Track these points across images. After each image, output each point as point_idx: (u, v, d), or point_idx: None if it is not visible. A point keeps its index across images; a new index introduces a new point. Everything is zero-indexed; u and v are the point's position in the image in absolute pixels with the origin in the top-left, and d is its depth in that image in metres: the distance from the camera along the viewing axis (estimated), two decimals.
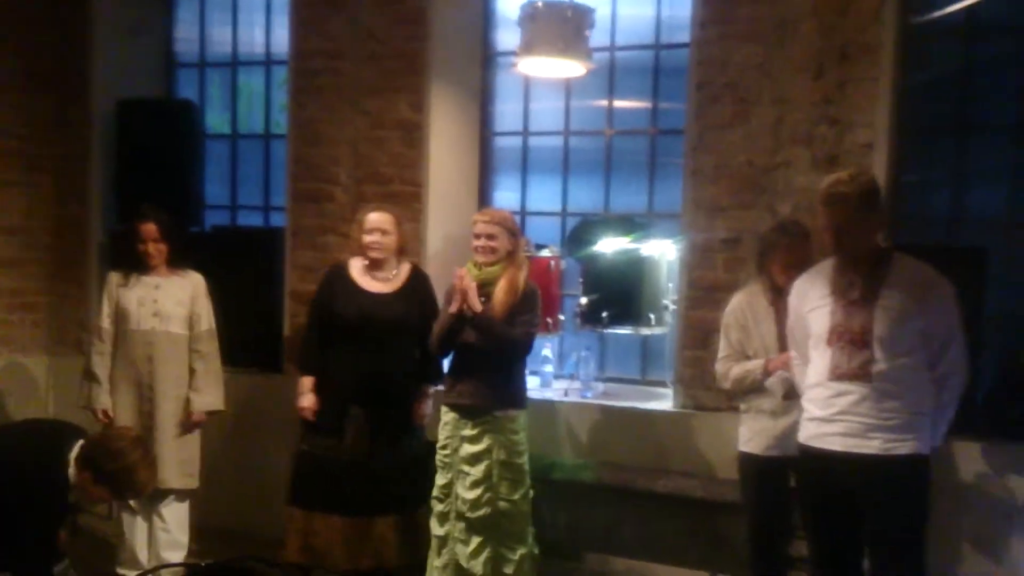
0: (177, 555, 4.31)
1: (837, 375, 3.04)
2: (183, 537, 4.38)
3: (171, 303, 4.25)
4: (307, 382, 4.16)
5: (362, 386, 4.07)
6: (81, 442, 3.24)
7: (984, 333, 3.89)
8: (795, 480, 3.65)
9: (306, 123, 5.02)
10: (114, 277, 4.31)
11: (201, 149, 5.64)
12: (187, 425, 4.27)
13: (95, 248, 5.55)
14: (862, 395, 2.99)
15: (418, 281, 4.21)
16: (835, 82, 4.01)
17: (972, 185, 4.26)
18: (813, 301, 3.15)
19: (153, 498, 4.15)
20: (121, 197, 5.40)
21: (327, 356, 4.15)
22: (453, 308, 3.85)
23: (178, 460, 4.26)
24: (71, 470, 3.21)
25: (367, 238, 4.10)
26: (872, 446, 2.98)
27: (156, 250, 4.24)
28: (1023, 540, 3.73)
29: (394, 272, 4.18)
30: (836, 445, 3.03)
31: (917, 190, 4.27)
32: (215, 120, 5.87)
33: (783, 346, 3.50)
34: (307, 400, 4.14)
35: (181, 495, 4.34)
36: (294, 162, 5.07)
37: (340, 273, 4.20)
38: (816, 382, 3.11)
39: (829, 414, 3.05)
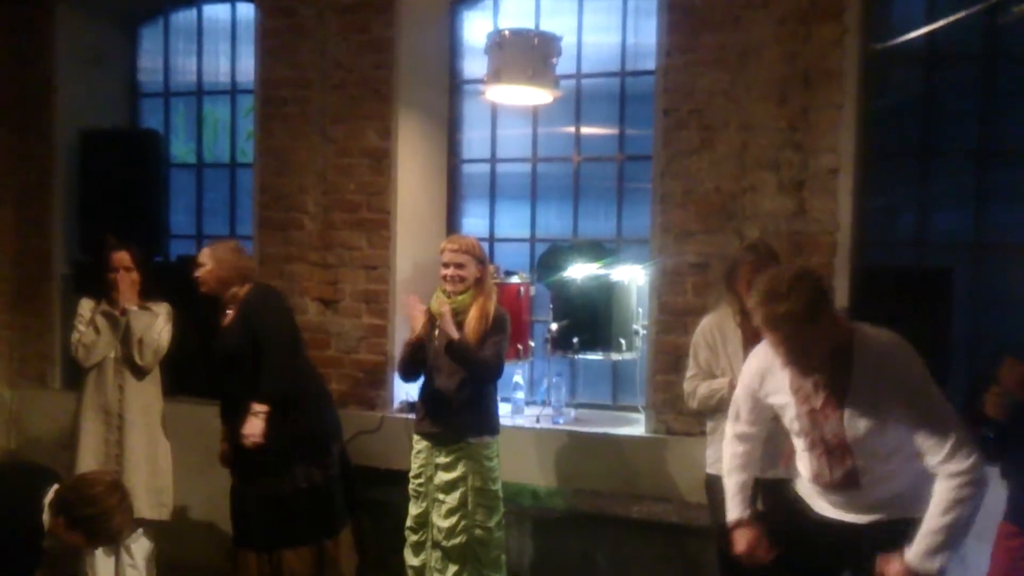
0: None
1: (822, 484, 2.75)
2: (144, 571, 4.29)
3: (154, 332, 4.22)
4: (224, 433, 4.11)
5: (228, 422, 4.01)
6: (56, 487, 3.16)
7: (952, 355, 3.95)
8: (761, 503, 3.65)
9: (273, 151, 4.99)
10: (87, 303, 4.27)
11: (165, 179, 5.60)
12: None
13: (58, 280, 5.48)
14: (852, 496, 2.72)
15: (245, 303, 3.98)
16: (799, 108, 4.07)
17: (936, 208, 4.32)
18: (771, 388, 2.81)
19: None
20: (84, 228, 5.34)
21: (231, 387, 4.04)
22: (412, 335, 3.86)
23: (149, 489, 4.20)
24: (45, 516, 3.12)
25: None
26: (866, 518, 2.72)
27: (128, 279, 4.20)
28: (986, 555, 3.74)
29: (234, 300, 4.01)
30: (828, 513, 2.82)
31: (882, 214, 4.33)
32: (180, 149, 5.82)
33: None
34: (221, 449, 4.12)
35: (150, 529, 4.26)
36: (261, 190, 5.04)
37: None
38: (802, 476, 2.86)
39: (821, 503, 2.84)
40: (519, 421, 4.61)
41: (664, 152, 4.30)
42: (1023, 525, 3.12)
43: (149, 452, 4.23)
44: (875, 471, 2.62)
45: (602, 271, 4.42)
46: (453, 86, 5.11)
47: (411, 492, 3.97)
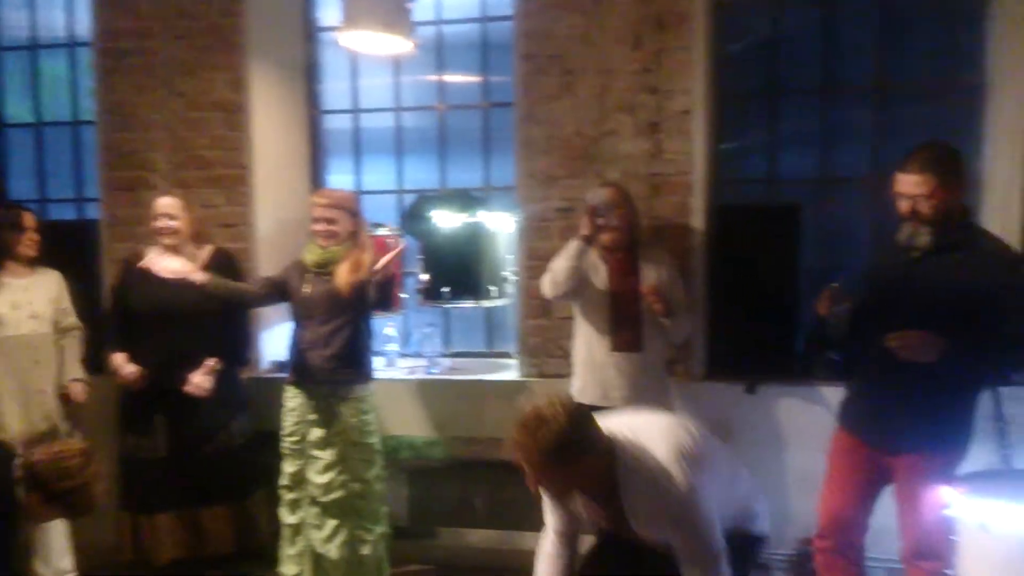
0: (68, 561, 4.12)
1: None
2: (66, 542, 4.14)
3: (44, 302, 4.05)
4: (119, 356, 4.00)
5: (166, 376, 3.94)
6: (21, 461, 2.99)
7: (800, 286, 4.17)
8: None
9: (116, 107, 4.72)
10: None
11: (1, 140, 5.21)
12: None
13: None
14: None
15: (220, 264, 4.06)
16: (653, 51, 4.15)
17: (785, 147, 4.49)
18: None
19: None
20: None
21: (132, 348, 3.99)
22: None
23: None
24: (18, 491, 2.96)
25: (155, 224, 3.99)
26: None
27: (33, 241, 4.04)
28: None
29: (192, 257, 4.01)
30: None
31: (734, 153, 4.48)
32: (15, 109, 5.41)
33: (615, 295, 3.71)
34: (127, 369, 3.96)
35: None
36: (105, 149, 4.77)
37: (135, 262, 4.02)
38: None
39: None
40: (393, 374, 4.59)
41: (525, 98, 4.31)
42: (848, 427, 3.33)
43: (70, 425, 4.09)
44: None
45: (469, 220, 4.41)
46: (309, 34, 4.94)
47: (284, 451, 3.93)
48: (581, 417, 2.47)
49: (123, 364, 3.97)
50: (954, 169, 3.00)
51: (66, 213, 5.27)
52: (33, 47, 5.31)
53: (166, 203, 4.00)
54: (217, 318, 3.98)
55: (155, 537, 3.96)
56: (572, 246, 3.68)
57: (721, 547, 2.53)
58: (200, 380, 3.94)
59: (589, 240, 3.66)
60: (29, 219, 4.07)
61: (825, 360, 4.10)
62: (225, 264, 4.09)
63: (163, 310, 3.92)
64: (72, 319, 4.18)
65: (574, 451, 2.41)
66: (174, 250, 3.98)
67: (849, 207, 4.36)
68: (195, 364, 3.94)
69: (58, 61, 5.30)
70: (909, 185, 2.99)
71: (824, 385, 4.03)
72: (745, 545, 2.77)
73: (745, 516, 2.81)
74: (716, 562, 2.51)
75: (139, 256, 4.03)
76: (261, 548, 4.11)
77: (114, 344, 4.05)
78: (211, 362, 3.96)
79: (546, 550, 2.87)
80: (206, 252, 4.08)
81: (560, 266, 3.71)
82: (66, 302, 4.17)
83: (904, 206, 3.03)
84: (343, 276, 3.78)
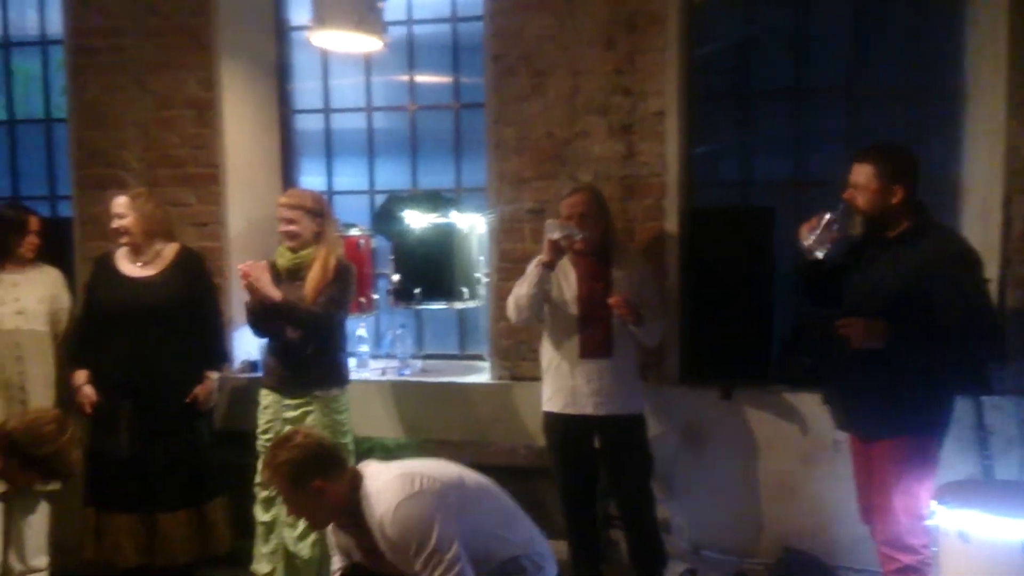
0: (43, 559, 4.12)
1: None
2: (44, 541, 4.14)
3: (33, 300, 4.04)
4: (81, 375, 3.98)
5: (131, 377, 3.90)
6: None
7: (775, 290, 4.13)
8: (599, 441, 3.75)
9: (88, 105, 4.70)
10: None
11: None
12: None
13: None
14: None
15: (186, 261, 4.04)
16: (625, 52, 4.11)
17: (758, 149, 4.47)
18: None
19: (21, 502, 4.00)
20: None
21: (100, 349, 3.96)
22: (249, 301, 3.76)
23: None
24: None
25: (111, 224, 3.96)
26: None
27: (34, 244, 4.07)
28: (818, 480, 4.00)
29: (156, 255, 3.99)
30: None
31: (708, 155, 4.44)
32: None
33: (583, 301, 3.65)
34: (82, 393, 3.94)
35: (48, 500, 4.12)
36: (77, 147, 4.75)
37: (104, 262, 4.03)
38: None
39: None
40: (365, 375, 4.55)
41: (496, 99, 4.28)
42: (849, 429, 3.39)
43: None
44: None
45: (441, 220, 4.38)
46: (280, 33, 4.91)
47: (260, 448, 3.88)
48: (321, 448, 2.69)
49: (81, 386, 3.96)
50: (897, 166, 3.10)
51: (40, 211, 5.18)
52: (6, 45, 5.30)
53: (118, 202, 3.96)
54: (189, 318, 3.94)
55: (115, 538, 3.93)
56: (533, 273, 3.63)
57: None
58: (204, 397, 3.98)
59: (551, 266, 3.60)
60: (35, 222, 4.09)
61: (801, 365, 4.08)
62: (190, 262, 4.06)
63: (132, 309, 3.88)
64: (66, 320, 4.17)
65: (307, 475, 2.61)
66: (133, 248, 3.95)
67: (823, 209, 4.31)
68: (164, 363, 3.90)
69: (31, 59, 5.27)
70: (855, 174, 3.14)
71: (800, 391, 4.00)
72: None
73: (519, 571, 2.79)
74: None
75: (109, 256, 4.01)
76: (220, 555, 4.07)
77: (80, 355, 4.02)
78: (211, 375, 4.01)
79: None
80: (171, 250, 4.04)
81: (522, 292, 3.66)
82: (64, 302, 4.15)
83: (846, 193, 3.16)
84: (311, 282, 3.75)
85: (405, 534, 2.56)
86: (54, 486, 4.00)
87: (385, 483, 2.63)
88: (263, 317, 3.78)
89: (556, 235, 3.52)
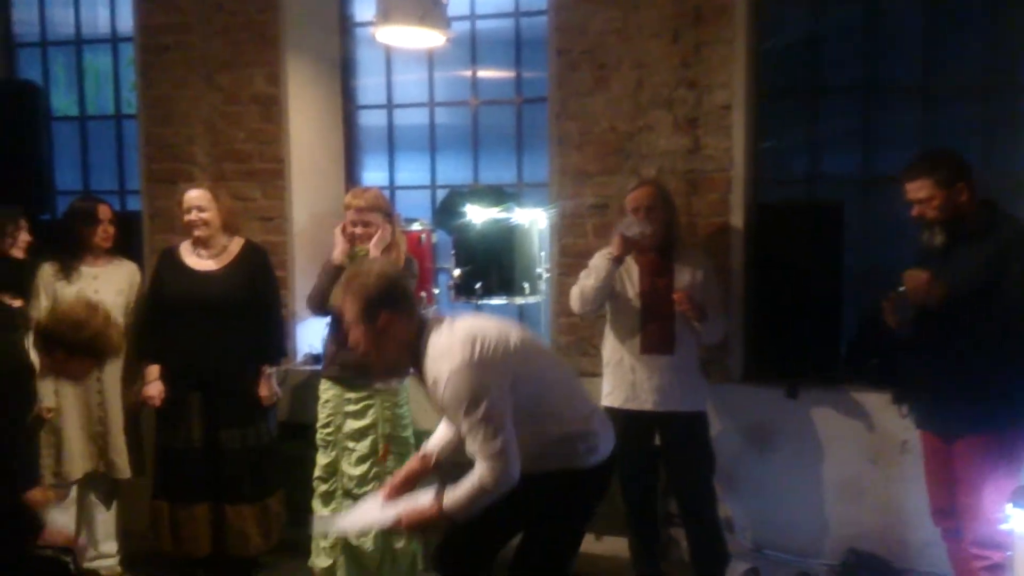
0: (113, 545, 4.23)
1: None
2: (113, 528, 4.26)
3: (112, 292, 4.08)
4: (153, 370, 4.03)
5: (198, 370, 3.96)
6: (32, 329, 3.07)
7: (843, 286, 4.04)
8: (660, 438, 3.71)
9: (157, 101, 4.80)
10: (48, 268, 4.07)
11: (47, 133, 5.28)
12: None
13: None
14: None
15: (250, 256, 4.08)
16: (691, 45, 4.06)
17: (827, 145, 4.38)
18: None
19: (95, 491, 4.14)
20: None
21: (167, 343, 4.02)
22: (336, 259, 3.77)
23: (133, 450, 4.16)
24: (33, 356, 3.05)
25: (186, 217, 4.00)
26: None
27: (108, 233, 4.11)
28: (886, 481, 3.92)
29: (223, 249, 4.04)
30: None
31: (776, 150, 4.37)
32: (61, 102, 5.53)
33: (646, 296, 3.62)
34: (153, 388, 4.00)
35: (118, 489, 4.25)
36: (146, 142, 4.85)
37: (169, 255, 4.08)
38: None
39: None
40: None
41: (559, 93, 4.26)
42: (930, 428, 3.34)
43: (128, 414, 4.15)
44: None
45: (502, 215, 4.37)
46: (344, 29, 4.95)
47: (319, 441, 3.92)
48: (396, 280, 2.68)
49: (152, 381, 4.01)
50: (950, 168, 3.14)
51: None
52: (78, 43, 5.42)
53: (196, 195, 4.01)
54: (252, 311, 3.99)
55: (190, 528, 3.99)
56: (601, 266, 3.61)
57: (497, 448, 2.51)
58: (267, 393, 4.02)
59: (619, 261, 3.58)
60: (104, 211, 4.13)
61: (870, 364, 3.99)
62: (255, 257, 4.10)
63: (198, 302, 3.93)
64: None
65: (378, 304, 2.59)
66: (201, 242, 4.01)
67: (894, 206, 4.19)
68: (230, 356, 3.95)
69: (102, 57, 5.39)
70: (912, 191, 3.18)
71: (868, 390, 3.93)
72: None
73: (570, 452, 2.74)
74: (484, 447, 2.52)
75: (174, 249, 4.08)
76: (282, 546, 4.13)
77: (147, 348, 4.08)
78: (267, 370, 4.03)
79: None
80: (236, 244, 4.09)
81: (588, 284, 3.64)
82: (134, 296, 4.19)
83: (914, 211, 3.20)
84: None
85: (456, 397, 2.53)
86: (123, 469, 4.13)
87: (448, 345, 2.58)
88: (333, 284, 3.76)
89: (633, 232, 3.51)
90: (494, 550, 2.88)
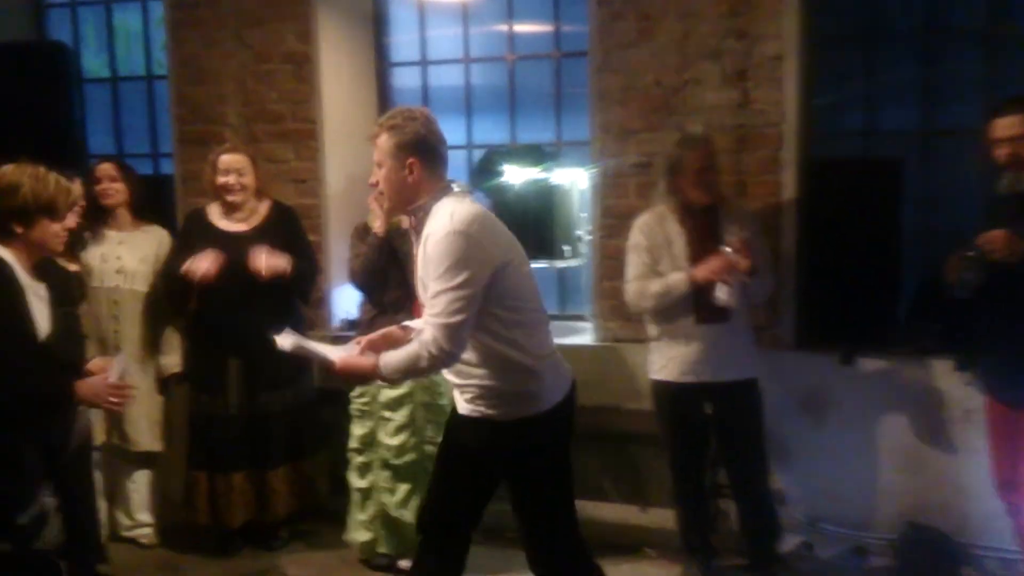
0: (148, 515, 4.22)
1: None
2: (147, 498, 4.25)
3: (135, 260, 4.05)
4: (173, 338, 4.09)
5: (233, 334, 3.90)
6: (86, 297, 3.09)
7: (901, 247, 3.86)
8: (711, 408, 3.59)
9: (187, 60, 4.70)
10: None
11: (78, 94, 5.20)
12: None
13: None
14: None
15: (280, 216, 4.02)
16: None
17: (884, 97, 4.19)
18: None
19: (124, 461, 4.12)
20: None
21: (198, 308, 3.96)
22: (379, 228, 3.67)
23: (150, 422, 4.11)
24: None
25: (221, 179, 3.92)
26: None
27: (113, 190, 4.03)
28: (947, 452, 3.78)
29: (252, 211, 3.98)
30: None
31: (831, 104, 4.18)
32: (92, 63, 5.46)
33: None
34: (205, 263, 3.80)
35: (150, 459, 4.21)
36: (178, 103, 4.76)
37: (197, 217, 4.02)
38: None
39: None
40: None
41: (600, 46, 4.08)
42: (998, 395, 3.23)
43: (147, 383, 4.08)
44: None
45: (541, 176, 4.23)
46: None
47: (354, 412, 3.86)
48: (431, 138, 2.71)
49: (197, 262, 3.80)
50: None
51: (143, 168, 5.28)
52: (107, 2, 5.32)
53: (234, 159, 3.92)
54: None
55: (229, 497, 3.97)
56: (678, 286, 3.44)
57: (455, 322, 2.51)
58: (272, 261, 3.81)
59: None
60: (105, 169, 4.06)
61: (930, 329, 3.82)
62: (285, 217, 4.04)
63: (231, 265, 3.85)
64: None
65: (409, 148, 2.65)
66: (231, 205, 3.93)
67: (956, 162, 4.02)
68: (266, 318, 3.81)
69: (132, 16, 5.30)
70: (1006, 128, 2.99)
71: (928, 356, 3.77)
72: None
73: (513, 386, 2.68)
74: (441, 320, 2.52)
75: (202, 211, 4.01)
76: (319, 510, 4.12)
77: (177, 309, 4.05)
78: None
79: None
80: (265, 206, 4.02)
81: (655, 291, 3.48)
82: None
83: (1003, 151, 3.01)
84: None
85: (440, 257, 2.53)
86: (137, 441, 4.08)
87: (454, 210, 2.60)
88: (380, 256, 3.68)
89: (721, 300, 3.39)
90: (476, 510, 2.87)
